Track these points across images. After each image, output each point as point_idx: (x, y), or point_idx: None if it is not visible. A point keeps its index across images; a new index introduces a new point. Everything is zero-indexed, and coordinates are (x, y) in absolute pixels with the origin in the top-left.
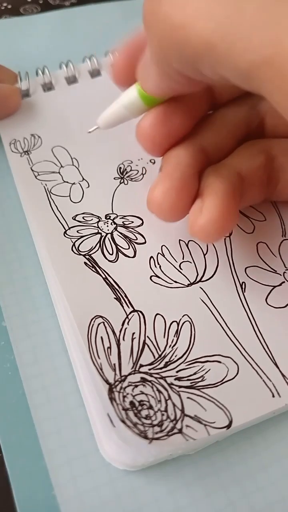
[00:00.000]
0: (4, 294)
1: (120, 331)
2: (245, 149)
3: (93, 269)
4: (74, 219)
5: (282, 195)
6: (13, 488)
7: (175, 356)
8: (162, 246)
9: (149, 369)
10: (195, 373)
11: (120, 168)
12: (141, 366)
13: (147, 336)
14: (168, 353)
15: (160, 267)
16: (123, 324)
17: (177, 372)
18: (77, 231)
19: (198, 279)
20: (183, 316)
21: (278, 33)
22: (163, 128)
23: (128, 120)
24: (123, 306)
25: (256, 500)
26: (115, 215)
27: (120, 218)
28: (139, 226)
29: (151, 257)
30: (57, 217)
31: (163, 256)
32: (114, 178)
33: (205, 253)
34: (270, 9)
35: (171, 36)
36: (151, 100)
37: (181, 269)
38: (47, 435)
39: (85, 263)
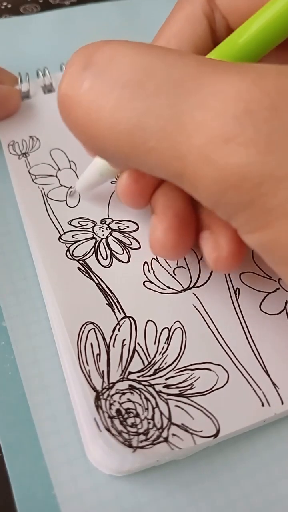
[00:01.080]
0: (4, 294)
1: (111, 338)
2: None
3: (86, 274)
4: (70, 224)
5: None
6: (13, 488)
7: (165, 363)
8: None
9: (138, 377)
10: (184, 381)
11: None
12: (130, 373)
13: (138, 343)
14: (158, 360)
15: (153, 272)
16: (114, 331)
17: (166, 379)
18: (72, 236)
19: (191, 285)
20: (174, 323)
21: (182, 146)
22: (139, 185)
23: (104, 182)
24: (114, 312)
25: (254, 502)
26: (111, 220)
27: (115, 223)
28: (134, 231)
29: (145, 262)
30: (52, 222)
31: (157, 261)
32: (111, 182)
33: (199, 258)
34: (171, 116)
35: (92, 144)
36: None
37: (174, 274)
38: (47, 435)
39: (78, 268)
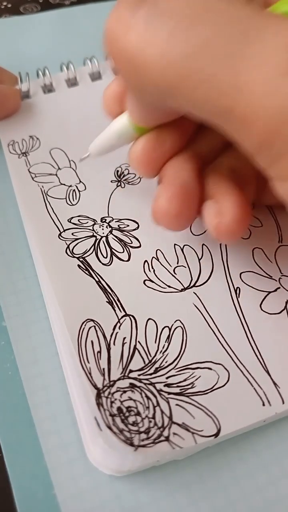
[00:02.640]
0: (4, 294)
1: (111, 336)
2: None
3: (86, 272)
4: (70, 222)
5: (272, 197)
6: (13, 488)
7: (166, 362)
8: (157, 250)
9: (139, 375)
10: (185, 380)
11: (118, 171)
12: (131, 371)
13: (138, 341)
14: (159, 359)
15: (154, 271)
16: (114, 329)
17: (167, 378)
18: (72, 234)
19: (192, 284)
20: (175, 322)
21: (241, 77)
22: (155, 154)
23: (119, 147)
24: (115, 310)
25: (254, 502)
26: (111, 218)
27: (115, 221)
28: (134, 229)
29: (146, 261)
30: (52, 219)
31: (158, 260)
32: (111, 181)
33: (200, 258)
34: (230, 49)
35: (136, 75)
36: (141, 127)
37: (175, 273)
38: (47, 435)
39: (78, 265)
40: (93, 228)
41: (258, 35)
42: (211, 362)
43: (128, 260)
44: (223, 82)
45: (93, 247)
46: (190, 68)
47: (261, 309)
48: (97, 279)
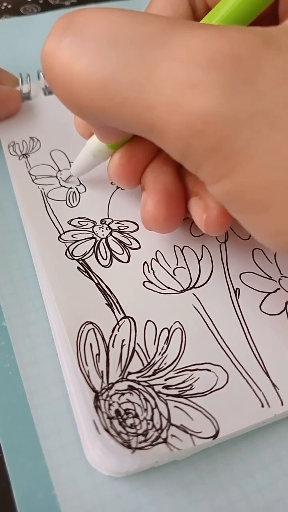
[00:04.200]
0: (4, 294)
1: (110, 338)
2: None
3: (86, 274)
4: (70, 224)
5: None
6: (13, 488)
7: (164, 363)
8: (156, 252)
9: (137, 377)
10: (183, 382)
11: None
12: (129, 373)
13: (137, 343)
14: (158, 361)
15: (153, 272)
16: (113, 331)
17: (165, 380)
18: (72, 236)
19: (191, 285)
20: (174, 323)
21: (150, 97)
22: (129, 166)
23: (98, 164)
24: (114, 312)
25: (254, 502)
26: (111, 220)
27: (115, 223)
28: (134, 231)
29: (145, 262)
30: (52, 221)
31: (157, 261)
32: (111, 183)
33: (199, 259)
34: (138, 70)
35: (70, 99)
36: (112, 144)
37: (174, 275)
38: (47, 435)
39: (78, 268)
40: (93, 230)
41: (166, 51)
42: (210, 363)
43: (128, 261)
44: (138, 102)
45: (92, 249)
46: (111, 91)
47: (261, 310)
48: (96, 281)
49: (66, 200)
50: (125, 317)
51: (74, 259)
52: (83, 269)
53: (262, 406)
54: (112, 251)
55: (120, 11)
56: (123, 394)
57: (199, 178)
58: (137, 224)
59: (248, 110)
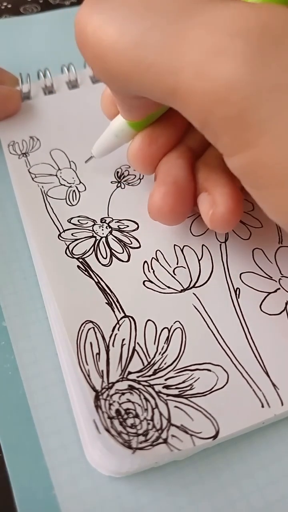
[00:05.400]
0: (4, 294)
1: (110, 337)
2: None
3: (86, 273)
4: (70, 222)
5: None
6: (13, 488)
7: (165, 363)
8: (156, 251)
9: (137, 377)
10: (184, 381)
11: (118, 172)
12: (130, 373)
13: (137, 343)
14: (158, 361)
15: (153, 272)
16: (113, 330)
17: (165, 380)
18: (72, 234)
19: (191, 285)
20: (174, 323)
21: (177, 62)
22: (150, 150)
23: (120, 146)
24: (114, 312)
25: (254, 502)
26: (111, 219)
27: (115, 222)
28: (134, 230)
29: (145, 261)
30: (52, 220)
31: (157, 261)
32: (111, 182)
33: (199, 258)
34: (168, 36)
35: (98, 63)
36: (137, 124)
37: (174, 274)
38: (47, 435)
39: (78, 266)
40: (93, 228)
41: (196, 20)
42: (210, 363)
43: (128, 260)
44: (164, 67)
45: (92, 248)
46: (138, 55)
47: (261, 310)
48: (96, 280)
49: (66, 198)
50: (125, 316)
51: (74, 257)
52: (83, 267)
53: (262, 406)
54: (112, 250)
55: None
56: (123, 393)
57: (218, 150)
58: (137, 223)
59: (273, 81)
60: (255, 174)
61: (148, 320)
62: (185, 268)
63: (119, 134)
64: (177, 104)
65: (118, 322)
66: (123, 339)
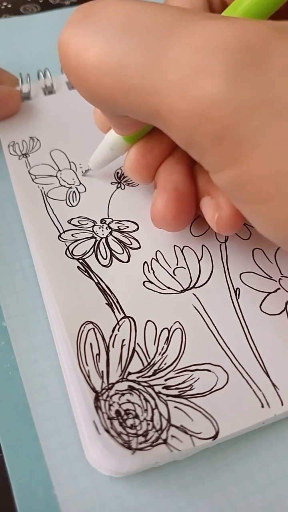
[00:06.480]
0: (4, 294)
1: (110, 338)
2: None
3: (86, 273)
4: (70, 223)
5: None
6: (13, 488)
7: (164, 364)
8: (156, 252)
9: (137, 377)
10: (183, 382)
11: (118, 173)
12: (130, 374)
13: (137, 343)
14: (158, 361)
15: (153, 272)
16: (113, 331)
17: (165, 380)
18: (72, 235)
19: (191, 285)
20: (174, 323)
21: (158, 82)
22: (145, 160)
23: (116, 158)
24: (114, 312)
25: (254, 502)
26: (111, 220)
27: (115, 222)
28: (134, 231)
29: (145, 262)
30: (52, 221)
31: (157, 261)
32: (111, 183)
33: (199, 259)
34: (150, 56)
35: (82, 85)
36: (131, 137)
37: (174, 275)
38: (47, 435)
39: (78, 267)
40: (93, 229)
41: (178, 39)
42: (210, 364)
43: (128, 261)
44: (145, 89)
45: (92, 249)
46: (120, 77)
47: (261, 310)
48: (96, 281)
49: (66, 199)
50: (125, 317)
51: (74, 258)
52: (83, 268)
53: (262, 406)
54: (112, 251)
55: (135, 2)
56: (123, 394)
57: (204, 167)
58: (137, 224)
59: (256, 98)
60: (242, 189)
61: (148, 320)
62: (185, 268)
63: (114, 147)
64: (161, 124)
65: (118, 323)
66: (123, 340)
